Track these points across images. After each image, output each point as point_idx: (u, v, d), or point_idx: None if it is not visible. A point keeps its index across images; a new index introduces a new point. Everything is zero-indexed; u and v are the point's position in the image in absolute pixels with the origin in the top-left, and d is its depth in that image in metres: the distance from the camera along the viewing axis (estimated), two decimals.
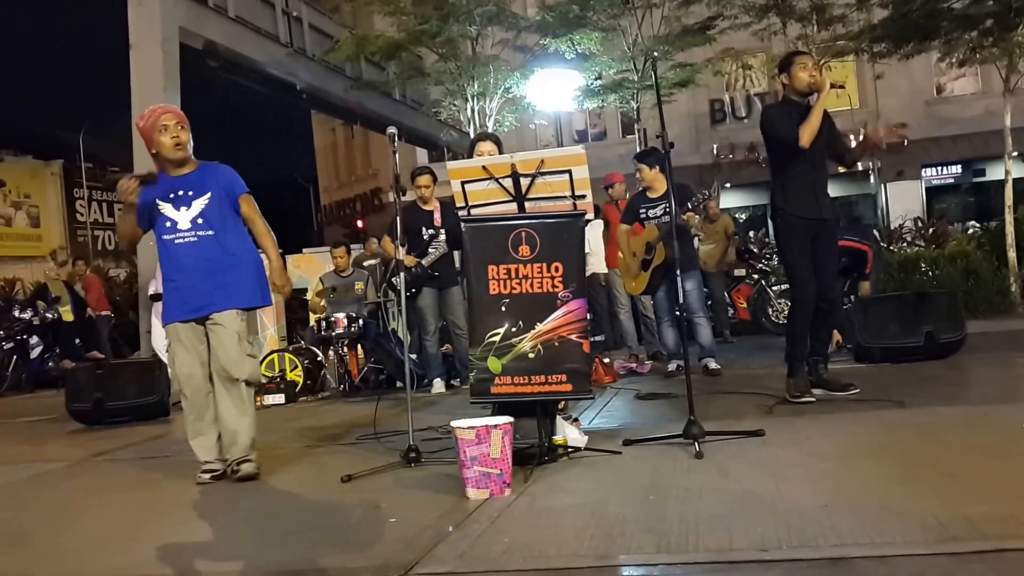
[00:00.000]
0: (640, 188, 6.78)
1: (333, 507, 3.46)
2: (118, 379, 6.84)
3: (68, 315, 11.67)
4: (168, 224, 4.09)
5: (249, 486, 3.97)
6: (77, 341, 11.77)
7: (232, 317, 4.08)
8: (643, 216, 6.60)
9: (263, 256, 4.33)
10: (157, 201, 4.09)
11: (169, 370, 8.87)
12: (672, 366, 6.76)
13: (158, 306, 11.34)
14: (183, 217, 4.08)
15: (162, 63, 11.98)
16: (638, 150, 13.95)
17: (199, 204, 4.09)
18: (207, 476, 4.09)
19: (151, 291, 11.53)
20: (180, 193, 4.10)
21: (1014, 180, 11.04)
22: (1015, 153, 11.85)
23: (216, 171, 4.21)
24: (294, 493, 3.84)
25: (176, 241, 4.08)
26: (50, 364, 11.40)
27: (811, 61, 5.05)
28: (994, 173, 11.09)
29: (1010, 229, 10.29)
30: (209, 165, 4.23)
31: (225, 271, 4.09)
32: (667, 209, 6.55)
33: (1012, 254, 10.19)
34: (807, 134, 4.70)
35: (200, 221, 4.08)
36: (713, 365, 6.65)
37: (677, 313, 7.27)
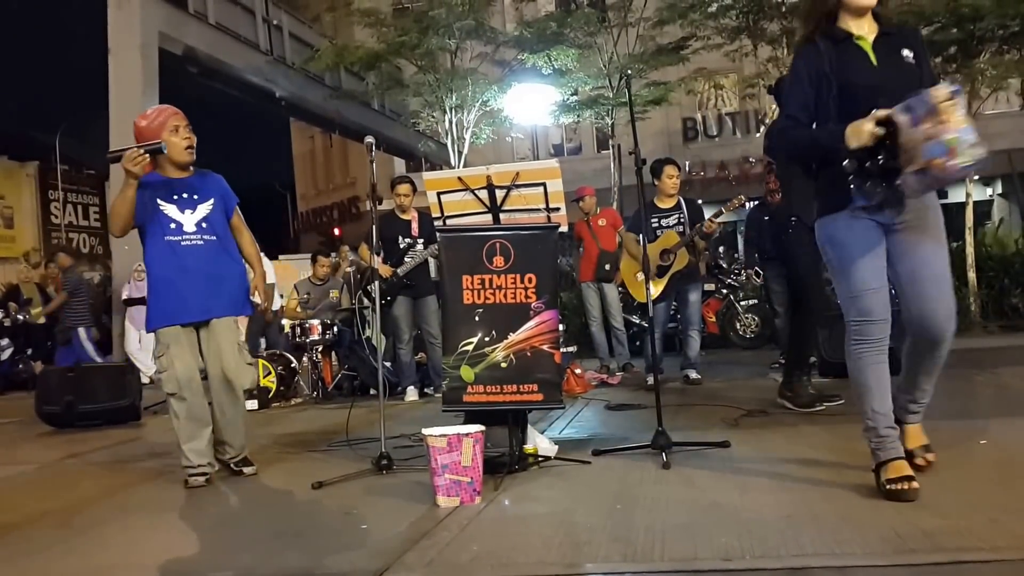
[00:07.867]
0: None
1: (303, 513, 3.47)
2: (89, 382, 6.75)
3: (40, 317, 11.55)
4: (172, 225, 4.02)
5: (219, 491, 3.98)
6: (49, 343, 11.65)
7: (231, 324, 4.14)
8: (656, 225, 6.66)
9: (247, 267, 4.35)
10: (158, 201, 4.02)
11: (142, 373, 8.91)
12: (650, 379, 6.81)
13: (131, 310, 11.32)
14: (188, 220, 4.04)
15: (141, 68, 11.95)
16: (612, 166, 14.19)
17: (204, 209, 4.09)
18: (202, 479, 4.02)
19: (124, 295, 11.47)
20: (184, 196, 4.07)
21: (974, 203, 11.23)
22: (976, 177, 12.10)
23: (213, 179, 4.22)
24: (264, 499, 3.85)
25: (183, 243, 4.03)
26: (21, 366, 11.28)
27: None
28: (955, 196, 11.34)
29: (970, 250, 10.48)
30: (204, 171, 4.22)
31: (225, 278, 4.12)
32: (681, 218, 6.66)
33: (972, 274, 10.37)
34: None
35: (205, 226, 4.07)
36: (694, 375, 6.75)
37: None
